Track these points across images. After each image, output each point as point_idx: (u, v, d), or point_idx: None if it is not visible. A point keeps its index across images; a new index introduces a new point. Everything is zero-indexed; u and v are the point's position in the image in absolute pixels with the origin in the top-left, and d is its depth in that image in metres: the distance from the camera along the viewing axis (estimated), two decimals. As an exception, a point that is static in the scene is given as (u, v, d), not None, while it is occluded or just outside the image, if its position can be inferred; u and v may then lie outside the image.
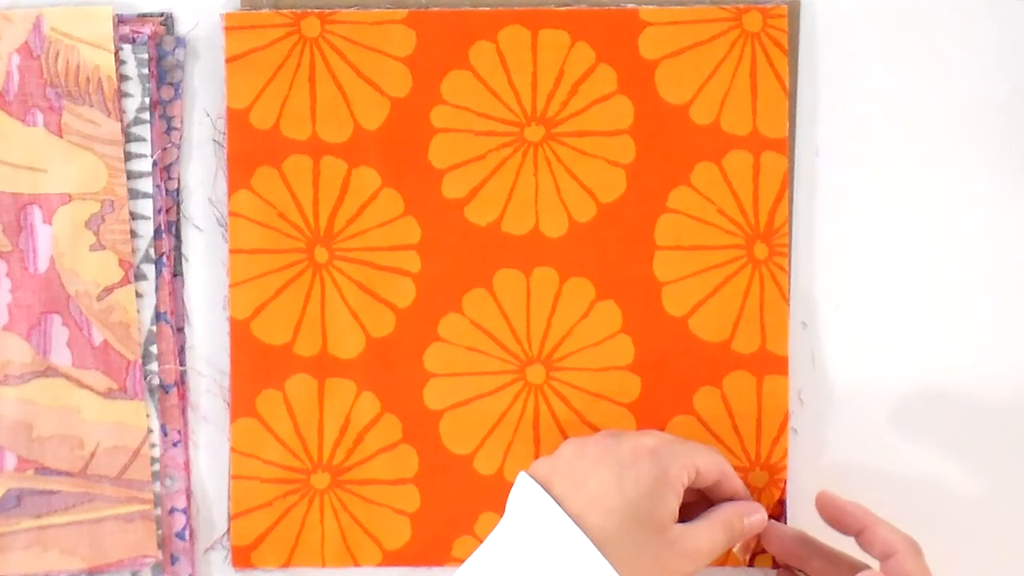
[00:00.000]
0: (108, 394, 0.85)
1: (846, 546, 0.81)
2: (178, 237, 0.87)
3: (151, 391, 0.86)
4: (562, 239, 0.86)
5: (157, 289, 0.86)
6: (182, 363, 0.87)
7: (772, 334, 0.86)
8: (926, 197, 0.87)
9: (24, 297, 0.85)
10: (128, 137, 0.86)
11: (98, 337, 0.85)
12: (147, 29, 0.86)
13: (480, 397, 0.86)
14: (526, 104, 0.86)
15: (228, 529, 0.87)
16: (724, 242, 0.86)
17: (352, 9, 0.86)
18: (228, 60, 0.85)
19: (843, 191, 0.87)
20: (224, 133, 0.86)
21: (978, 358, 0.87)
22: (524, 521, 0.77)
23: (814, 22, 0.86)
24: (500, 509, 0.80)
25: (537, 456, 0.86)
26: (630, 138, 0.86)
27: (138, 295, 0.86)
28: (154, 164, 0.86)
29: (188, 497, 0.87)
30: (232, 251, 0.86)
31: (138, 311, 0.86)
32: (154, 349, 0.86)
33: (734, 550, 0.85)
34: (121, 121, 0.85)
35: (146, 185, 0.86)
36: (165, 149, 0.86)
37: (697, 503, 0.82)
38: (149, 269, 0.86)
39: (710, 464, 0.80)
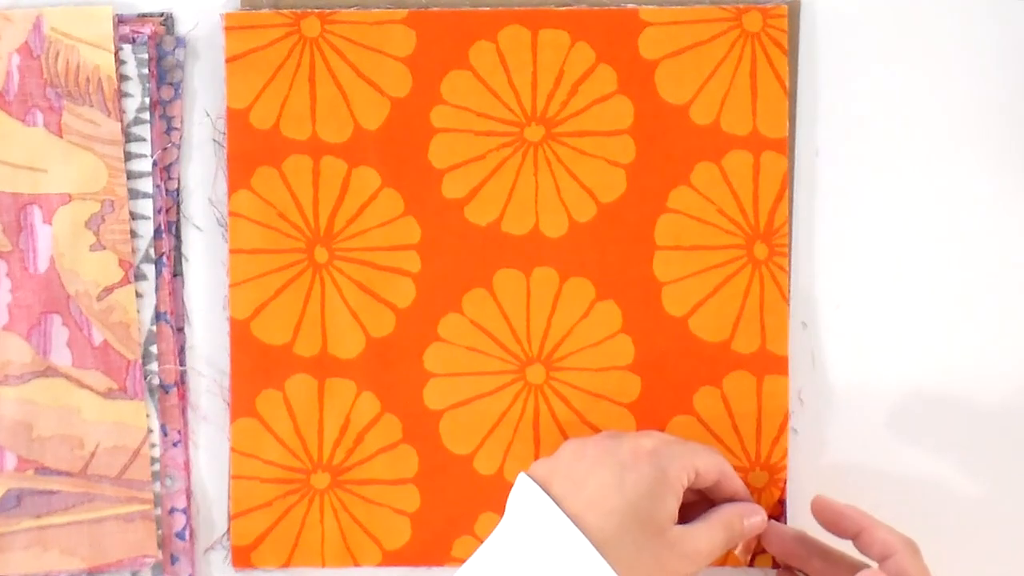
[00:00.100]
0: (108, 394, 0.86)
1: (846, 546, 0.81)
2: (178, 237, 0.87)
3: (151, 391, 0.86)
4: (562, 239, 0.86)
5: (157, 289, 0.86)
6: (182, 363, 0.87)
7: (772, 334, 0.86)
8: (926, 197, 0.87)
9: (24, 297, 0.85)
10: (128, 137, 0.86)
11: (98, 337, 0.85)
12: (147, 29, 0.86)
13: (480, 397, 0.86)
14: (526, 104, 0.86)
15: (228, 529, 0.87)
16: (724, 242, 0.86)
17: (352, 9, 0.86)
18: (228, 60, 0.85)
19: (843, 191, 0.87)
20: (224, 133, 0.86)
21: (978, 358, 0.87)
22: (524, 522, 0.77)
23: (814, 22, 0.86)
24: (500, 509, 0.80)
25: (537, 456, 0.86)
26: (630, 138, 0.86)
27: (138, 295, 0.86)
28: (154, 164, 0.86)
29: (188, 497, 0.87)
30: (232, 251, 0.86)
31: (138, 311, 0.86)
32: (154, 349, 0.86)
33: (734, 551, 0.85)
34: (121, 121, 0.85)
35: (146, 185, 0.86)
36: (165, 149, 0.86)
37: (697, 503, 0.82)
38: (149, 269, 0.86)
39: (710, 465, 0.80)
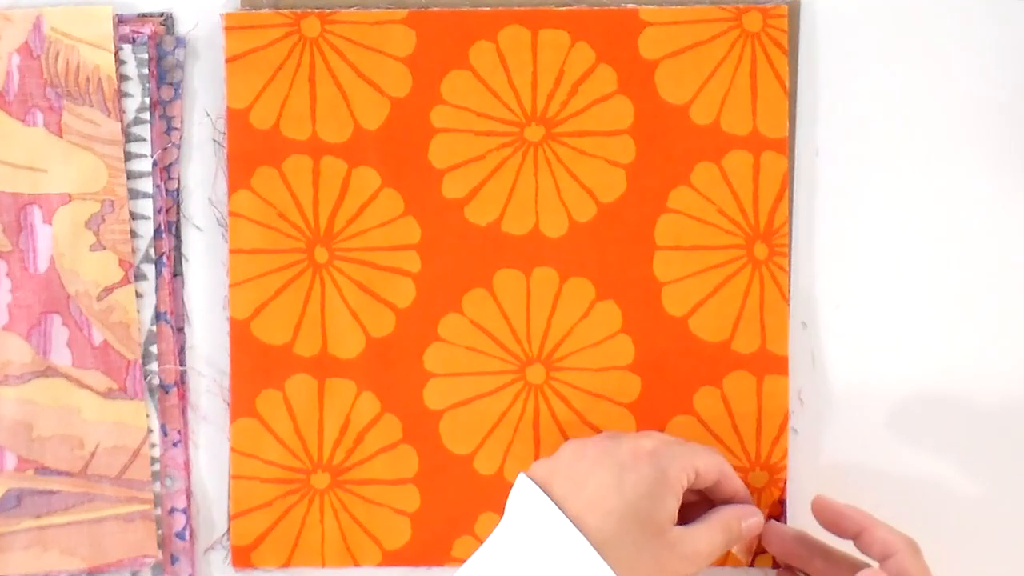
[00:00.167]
0: (108, 394, 0.86)
1: (846, 546, 0.81)
2: (178, 237, 0.87)
3: (151, 391, 0.86)
4: (562, 239, 0.86)
5: (157, 289, 0.86)
6: (182, 363, 0.87)
7: (772, 334, 0.86)
8: (926, 197, 0.87)
9: (24, 297, 0.85)
10: (128, 137, 0.86)
11: (98, 337, 0.85)
12: (147, 29, 0.86)
13: (480, 397, 0.86)
14: (526, 104, 0.86)
15: (228, 529, 0.87)
16: (724, 242, 0.86)
17: (352, 9, 0.86)
18: (228, 60, 0.85)
19: (843, 191, 0.87)
20: (224, 133, 0.86)
21: (978, 359, 0.87)
22: (523, 523, 0.77)
23: (814, 22, 0.86)
24: (500, 509, 0.80)
25: (537, 456, 0.86)
26: (630, 138, 0.86)
27: (138, 295, 0.86)
28: (154, 164, 0.86)
29: (188, 497, 0.87)
30: (232, 251, 0.86)
31: (138, 311, 0.86)
32: (154, 349, 0.86)
33: (735, 551, 0.85)
34: (121, 121, 0.85)
35: (146, 185, 0.86)
36: (165, 149, 0.86)
37: (698, 503, 0.82)
38: (149, 269, 0.86)
39: (709, 465, 0.80)
